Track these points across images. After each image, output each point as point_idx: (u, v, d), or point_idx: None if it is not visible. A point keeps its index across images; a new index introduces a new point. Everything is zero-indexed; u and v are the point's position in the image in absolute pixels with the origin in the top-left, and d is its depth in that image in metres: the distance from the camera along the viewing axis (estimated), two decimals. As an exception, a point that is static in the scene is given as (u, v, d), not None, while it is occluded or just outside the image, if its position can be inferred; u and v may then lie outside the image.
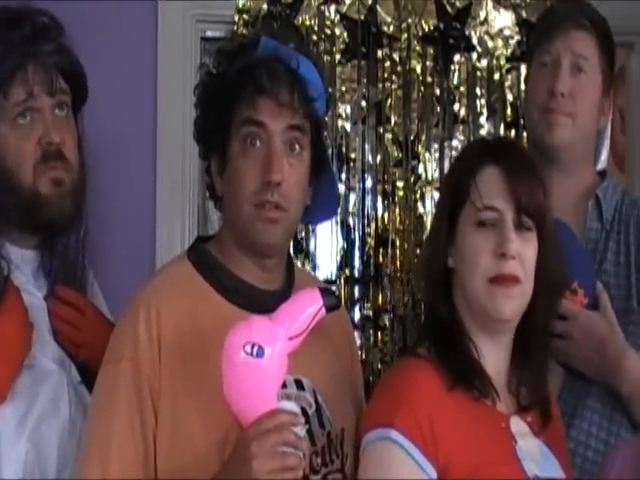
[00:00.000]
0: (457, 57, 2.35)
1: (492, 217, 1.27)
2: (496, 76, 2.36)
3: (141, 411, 1.30)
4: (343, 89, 2.34)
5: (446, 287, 1.31)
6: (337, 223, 2.29)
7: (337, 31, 2.34)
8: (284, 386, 1.31)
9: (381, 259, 2.31)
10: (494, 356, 1.31)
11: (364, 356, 2.20)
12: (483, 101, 2.36)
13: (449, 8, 2.34)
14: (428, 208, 2.31)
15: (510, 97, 2.34)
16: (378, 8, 2.34)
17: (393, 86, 2.34)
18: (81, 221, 1.58)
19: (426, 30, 2.35)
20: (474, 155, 1.32)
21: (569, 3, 1.68)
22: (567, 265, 1.36)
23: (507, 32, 2.37)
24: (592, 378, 1.53)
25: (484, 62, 2.37)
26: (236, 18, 2.30)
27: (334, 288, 2.22)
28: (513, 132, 2.33)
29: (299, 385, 1.36)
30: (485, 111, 2.36)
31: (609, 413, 1.53)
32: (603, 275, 1.58)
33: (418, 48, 2.35)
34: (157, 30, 2.33)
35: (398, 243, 2.31)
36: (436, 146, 2.34)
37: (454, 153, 2.31)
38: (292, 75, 1.34)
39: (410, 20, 2.35)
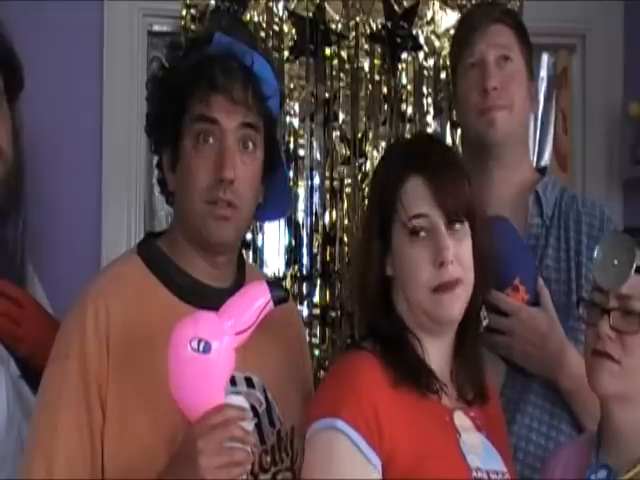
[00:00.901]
0: (404, 56, 2.37)
1: (422, 224, 1.27)
2: (442, 75, 2.39)
3: (88, 409, 1.28)
4: (291, 86, 2.34)
5: (384, 295, 1.32)
6: (285, 220, 2.29)
7: (285, 28, 2.34)
8: (233, 383, 1.31)
9: (328, 256, 2.32)
10: (438, 351, 1.32)
11: (312, 353, 2.20)
12: (430, 100, 2.39)
13: (396, 7, 2.36)
14: (375, 206, 2.33)
15: (456, 96, 2.37)
16: (326, 6, 2.34)
17: (341, 84, 2.36)
18: (18, 213, 1.54)
19: (374, 29, 2.37)
20: (397, 167, 1.31)
21: (479, 6, 1.74)
22: (508, 261, 1.38)
23: (453, 32, 2.39)
24: (533, 373, 1.55)
25: (431, 61, 2.39)
26: (184, 13, 2.29)
27: (283, 285, 2.23)
28: (459, 131, 2.36)
29: (249, 383, 1.35)
30: (432, 110, 2.38)
31: (550, 407, 1.56)
32: (544, 270, 1.60)
33: (366, 46, 2.37)
34: (103, 24, 2.31)
35: (345, 240, 2.32)
36: (384, 144, 2.35)
37: (401, 151, 2.33)
38: (246, 72, 1.33)
39: (358, 18, 2.36)
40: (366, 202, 1.44)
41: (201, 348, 1.15)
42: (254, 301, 1.21)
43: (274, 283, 1.25)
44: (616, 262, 1.21)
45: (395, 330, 1.29)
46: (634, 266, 1.20)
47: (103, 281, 1.37)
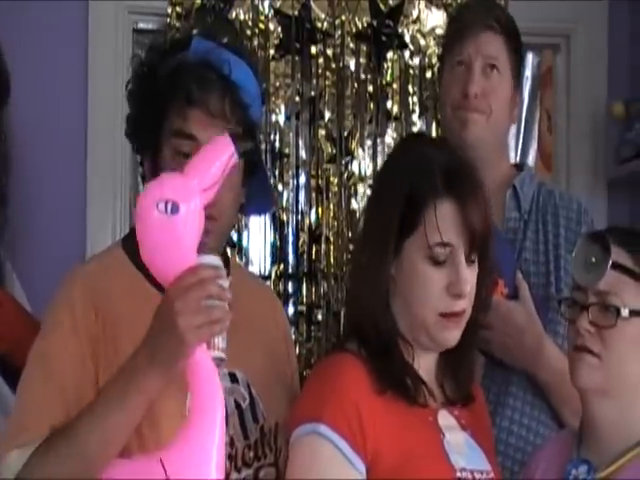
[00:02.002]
0: (390, 55, 2.38)
1: (446, 252, 1.23)
2: (428, 74, 2.39)
3: (82, 350, 1.27)
4: (277, 84, 2.34)
5: (386, 293, 1.29)
6: (270, 218, 2.29)
7: (271, 26, 2.34)
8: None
9: (314, 255, 2.32)
10: (426, 355, 1.31)
11: (298, 351, 2.20)
12: (415, 99, 2.39)
13: (382, 6, 2.37)
14: (361, 204, 2.33)
15: (442, 95, 2.38)
16: (312, 4, 2.35)
17: (327, 82, 2.36)
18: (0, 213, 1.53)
19: (359, 27, 2.37)
20: (429, 184, 1.23)
21: (477, 2, 1.71)
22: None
23: (439, 31, 2.40)
24: (512, 366, 1.56)
25: (416, 60, 2.40)
26: (169, 10, 2.28)
27: (267, 283, 2.23)
28: (444, 130, 2.37)
29: (233, 378, 1.34)
30: (417, 109, 2.39)
31: (530, 400, 1.56)
32: (522, 264, 1.61)
33: (352, 45, 2.37)
34: (88, 21, 2.29)
35: (331, 239, 2.32)
36: (369, 143, 2.36)
37: (387, 150, 2.34)
38: (224, 82, 1.31)
39: (344, 17, 2.37)
40: (378, 194, 1.33)
41: (169, 209, 1.11)
42: (218, 155, 1.16)
43: (238, 135, 1.20)
44: (593, 260, 1.23)
45: (386, 332, 1.27)
46: (609, 262, 1.21)
47: (86, 269, 1.37)
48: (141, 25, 2.36)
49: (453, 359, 1.32)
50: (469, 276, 1.25)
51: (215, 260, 1.17)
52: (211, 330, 1.14)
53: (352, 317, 1.32)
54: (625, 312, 1.21)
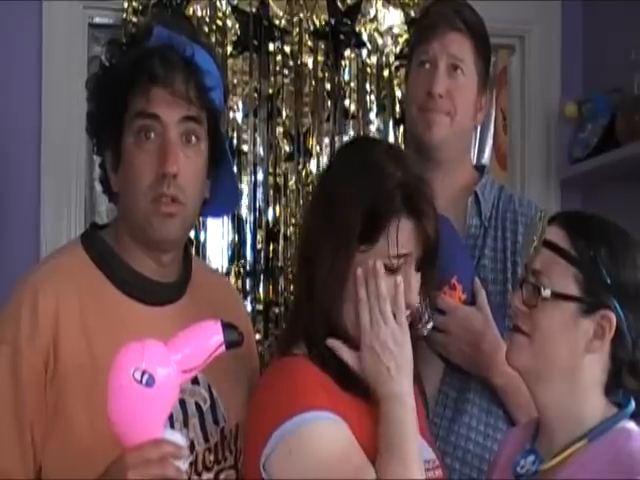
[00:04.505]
0: (348, 53, 2.38)
1: (400, 263, 1.27)
2: (385, 73, 2.41)
3: (16, 397, 1.24)
4: (235, 81, 2.33)
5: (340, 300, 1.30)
6: (228, 216, 2.28)
7: (229, 23, 2.33)
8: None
9: (272, 252, 2.32)
10: None
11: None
12: (373, 97, 2.40)
13: (340, 4, 2.37)
14: (319, 202, 2.33)
15: (399, 94, 2.39)
16: (270, 1, 2.34)
17: (285, 80, 2.36)
18: None
19: (317, 25, 2.37)
20: (389, 200, 1.26)
21: (446, 3, 1.70)
22: (447, 260, 1.39)
23: (396, 30, 2.41)
24: (470, 372, 1.57)
25: (374, 59, 2.41)
26: (125, 5, 2.25)
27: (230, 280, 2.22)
28: (402, 128, 2.39)
29: (193, 380, 1.32)
30: (375, 107, 2.40)
31: (486, 406, 1.57)
32: (481, 271, 1.62)
33: (310, 43, 2.37)
34: (42, 16, 2.26)
35: (289, 236, 2.32)
36: (327, 140, 2.36)
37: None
38: (187, 64, 1.30)
39: (302, 15, 2.37)
40: (333, 202, 1.32)
41: (144, 381, 1.09)
42: (206, 340, 1.16)
43: (229, 325, 1.18)
44: (535, 238, 1.25)
45: (339, 324, 1.28)
46: (541, 240, 1.23)
47: (43, 271, 1.34)
48: (97, 20, 2.34)
49: None
50: (417, 284, 1.29)
51: (179, 439, 1.14)
52: None
53: (301, 320, 1.31)
54: (546, 293, 1.21)
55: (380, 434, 1.21)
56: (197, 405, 1.33)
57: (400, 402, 1.23)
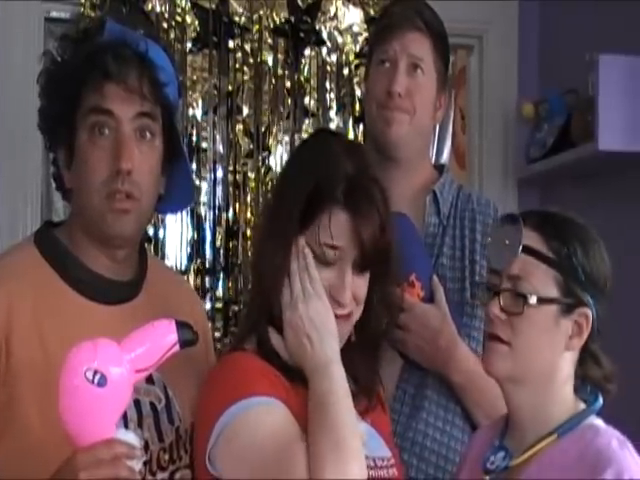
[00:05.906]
0: (307, 51, 2.39)
1: (334, 257, 1.26)
2: (345, 71, 2.41)
3: None
4: (194, 78, 2.32)
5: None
6: (187, 213, 2.27)
7: (188, 19, 2.31)
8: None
9: (231, 250, 2.31)
10: None
11: (214, 347, 2.18)
12: (333, 95, 2.41)
13: (300, 2, 2.37)
14: (278, 200, 2.33)
15: (359, 92, 2.39)
16: (230, -2, 2.34)
17: (244, 77, 2.35)
18: None
19: (277, 23, 2.37)
20: (332, 187, 1.25)
21: (406, 3, 1.70)
22: (405, 257, 1.39)
23: (356, 29, 2.42)
24: (428, 369, 1.58)
25: (334, 57, 2.41)
26: None
27: (186, 279, 2.21)
28: (361, 127, 2.39)
29: (148, 379, 1.31)
30: (335, 105, 2.41)
31: (444, 402, 1.59)
32: (439, 269, 1.63)
33: (269, 40, 2.37)
34: (-4, 9, 2.23)
35: (249, 234, 2.32)
36: (287, 138, 2.36)
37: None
38: (140, 59, 1.30)
39: (262, 12, 2.36)
40: (283, 184, 1.34)
41: (96, 380, 1.08)
42: (160, 339, 1.14)
43: (183, 324, 1.17)
44: (507, 242, 1.23)
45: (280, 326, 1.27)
46: (520, 244, 1.21)
47: None
48: (53, 14, 2.31)
49: (353, 355, 1.32)
50: (360, 284, 1.27)
51: (133, 439, 1.13)
52: None
53: (251, 314, 1.32)
54: (533, 299, 1.20)
55: (309, 410, 1.20)
56: (152, 405, 1.32)
57: (324, 373, 1.21)
